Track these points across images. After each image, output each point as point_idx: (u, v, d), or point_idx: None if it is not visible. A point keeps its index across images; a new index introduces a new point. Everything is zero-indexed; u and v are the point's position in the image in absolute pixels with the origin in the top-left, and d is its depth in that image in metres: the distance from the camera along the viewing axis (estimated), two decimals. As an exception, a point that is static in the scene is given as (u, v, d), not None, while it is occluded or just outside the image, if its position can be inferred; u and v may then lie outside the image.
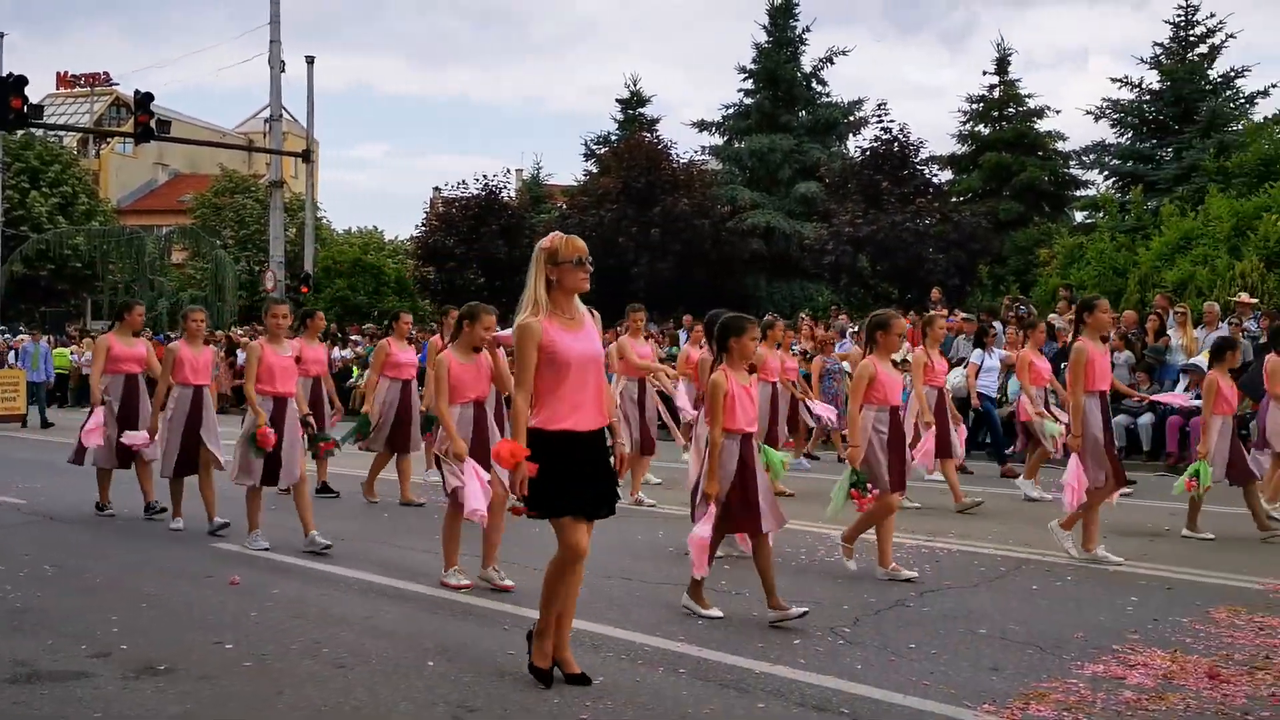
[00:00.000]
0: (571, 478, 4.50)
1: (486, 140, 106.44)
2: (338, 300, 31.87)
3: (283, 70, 27.30)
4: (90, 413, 9.07)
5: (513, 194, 31.95)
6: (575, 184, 31.98)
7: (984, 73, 28.15)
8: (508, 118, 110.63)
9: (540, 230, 30.02)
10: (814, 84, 30.70)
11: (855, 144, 29.82)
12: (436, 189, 32.08)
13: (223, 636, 5.38)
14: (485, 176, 29.94)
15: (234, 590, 6.42)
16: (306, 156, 28.80)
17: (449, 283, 29.00)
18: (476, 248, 28.53)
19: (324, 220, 41.58)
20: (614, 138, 31.50)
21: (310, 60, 28.15)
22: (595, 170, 30.59)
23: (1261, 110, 24.44)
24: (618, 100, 32.71)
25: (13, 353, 25.21)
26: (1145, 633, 5.45)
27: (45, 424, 20.13)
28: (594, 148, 32.24)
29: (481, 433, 6.55)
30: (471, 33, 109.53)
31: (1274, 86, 24.78)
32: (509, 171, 32.43)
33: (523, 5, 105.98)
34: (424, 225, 31.00)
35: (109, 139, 52.32)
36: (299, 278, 28.12)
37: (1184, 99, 24.43)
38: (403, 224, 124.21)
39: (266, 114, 29.07)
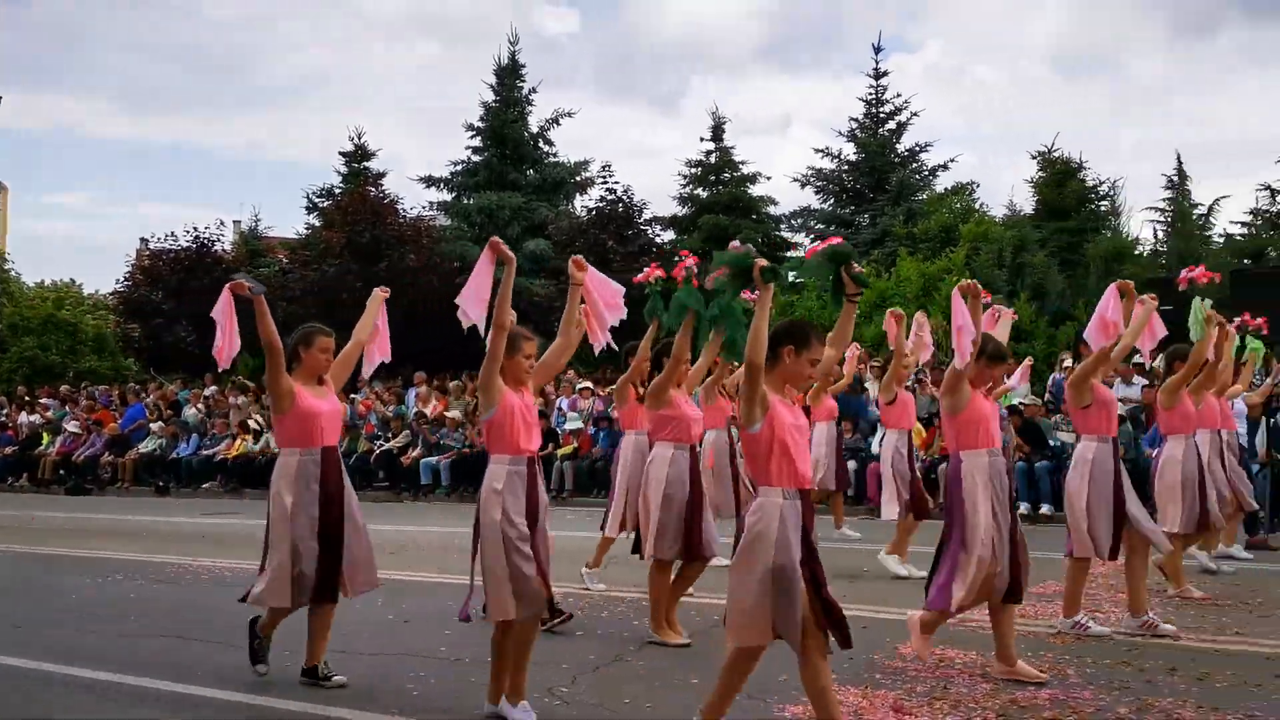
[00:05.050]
0: None
1: (204, 190, 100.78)
2: (25, 360, 29.28)
3: (-38, 108, 24.96)
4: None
5: (228, 246, 30.47)
6: (297, 237, 30.90)
7: (700, 139, 29.67)
8: (227, 167, 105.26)
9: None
10: (541, 144, 31.20)
11: (582, 203, 30.53)
12: (143, 240, 30.06)
13: None
14: (196, 228, 28.47)
15: None
16: (-10, 202, 26.34)
17: (155, 339, 27.25)
18: (186, 303, 26.93)
19: (12, 273, 38.03)
20: (338, 191, 30.70)
21: (-4, 98, 25.89)
22: (318, 223, 29.70)
23: (942, 182, 27.21)
24: (341, 153, 31.88)
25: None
26: (842, 672, 5.74)
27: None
28: (316, 200, 31.28)
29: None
30: (189, 78, 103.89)
31: (953, 161, 27.68)
32: (222, 223, 30.85)
33: (244, 54, 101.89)
34: (127, 279, 29.00)
35: None
36: (-20, 335, 25.59)
37: (877, 170, 26.72)
38: (106, 277, 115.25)
39: (-58, 155, 26.44)
